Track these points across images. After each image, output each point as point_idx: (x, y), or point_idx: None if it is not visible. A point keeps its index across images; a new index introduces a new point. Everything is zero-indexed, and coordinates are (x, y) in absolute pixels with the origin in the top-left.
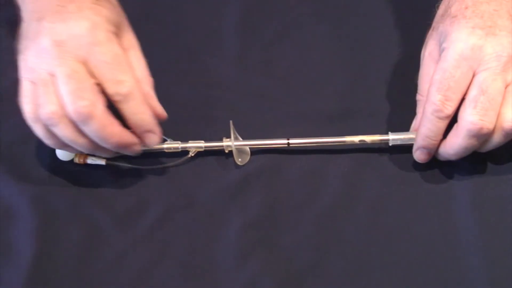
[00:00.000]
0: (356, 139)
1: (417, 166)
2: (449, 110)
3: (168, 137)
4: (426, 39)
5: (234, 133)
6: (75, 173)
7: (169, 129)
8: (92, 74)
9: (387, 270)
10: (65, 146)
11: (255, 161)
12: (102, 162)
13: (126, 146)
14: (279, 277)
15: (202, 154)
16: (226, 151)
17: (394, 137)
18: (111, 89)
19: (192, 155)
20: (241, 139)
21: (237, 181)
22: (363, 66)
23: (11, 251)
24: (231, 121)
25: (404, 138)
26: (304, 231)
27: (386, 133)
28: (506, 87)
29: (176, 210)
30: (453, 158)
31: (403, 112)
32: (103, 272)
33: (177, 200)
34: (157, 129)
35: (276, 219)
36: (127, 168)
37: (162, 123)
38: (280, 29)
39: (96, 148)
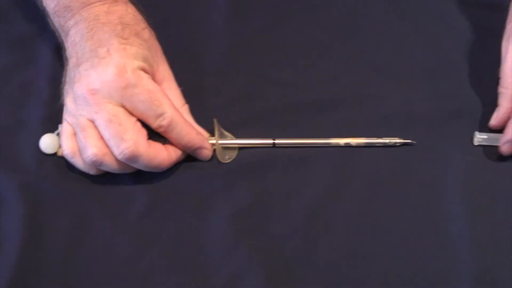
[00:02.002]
0: (341, 141)
1: (406, 156)
2: None
3: None
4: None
5: (219, 130)
6: (63, 161)
7: None
8: (131, 113)
9: (376, 259)
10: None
11: (243, 152)
12: None
13: (176, 163)
14: (267, 266)
15: None
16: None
17: (381, 141)
18: (153, 124)
19: None
20: (226, 134)
21: (226, 171)
22: (352, 55)
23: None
24: (215, 120)
25: (387, 142)
26: (292, 220)
27: (374, 124)
28: None
29: (164, 199)
30: None
31: (392, 100)
32: (91, 260)
33: (165, 190)
34: (206, 144)
35: (265, 209)
36: None
37: None
38: (268, 19)
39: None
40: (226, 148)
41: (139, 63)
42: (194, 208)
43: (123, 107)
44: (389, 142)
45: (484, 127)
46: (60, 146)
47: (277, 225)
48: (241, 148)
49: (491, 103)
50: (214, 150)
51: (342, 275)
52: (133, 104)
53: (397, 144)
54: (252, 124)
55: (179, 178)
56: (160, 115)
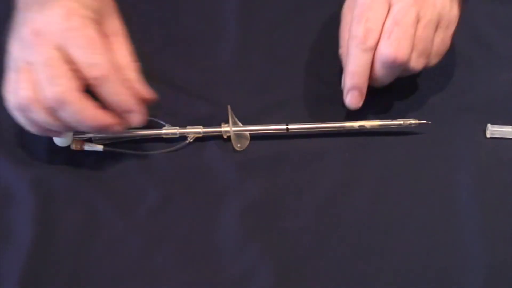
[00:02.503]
0: (355, 124)
1: (418, 150)
2: (372, 41)
3: (167, 122)
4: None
5: (232, 118)
6: (74, 157)
7: (167, 113)
8: (69, 60)
9: (387, 255)
10: (47, 131)
11: (255, 146)
12: (100, 148)
13: (102, 128)
14: (279, 262)
15: (201, 139)
16: (225, 137)
17: (395, 122)
18: (86, 73)
19: (191, 140)
20: (240, 124)
21: (237, 166)
22: None
23: (10, 234)
24: (229, 106)
25: (403, 124)
26: (304, 216)
27: (386, 117)
28: (418, 22)
29: (175, 195)
30: (379, 86)
31: (404, 94)
32: (102, 256)
33: (176, 185)
34: (138, 108)
35: (276, 204)
36: (125, 154)
37: (161, 105)
38: (280, 14)
39: (76, 128)
40: (239, 136)
41: (88, 12)
42: (206, 204)
43: (63, 50)
44: (404, 123)
45: (497, 120)
46: (73, 139)
47: (289, 220)
48: (253, 138)
49: (504, 96)
50: (224, 139)
51: (354, 270)
52: (72, 49)
53: (412, 125)
54: (264, 118)
55: (191, 174)
56: (94, 64)
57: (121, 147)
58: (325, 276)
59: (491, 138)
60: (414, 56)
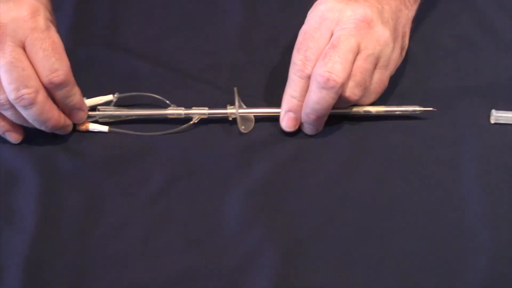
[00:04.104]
0: (361, 109)
1: (423, 134)
2: (309, 70)
3: (171, 103)
4: None
5: (238, 101)
6: (79, 138)
7: (172, 95)
8: (29, 59)
9: (391, 238)
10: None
11: (260, 129)
12: (105, 129)
13: (61, 128)
14: (283, 243)
15: (206, 121)
16: (230, 119)
17: (401, 109)
18: (45, 78)
19: (195, 121)
20: (244, 107)
21: (241, 148)
22: None
23: (15, 216)
24: (235, 88)
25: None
26: (308, 197)
27: (391, 100)
28: (358, 53)
29: (179, 176)
30: (311, 118)
31: (410, 78)
32: (106, 239)
33: (180, 166)
34: (85, 106)
35: (281, 186)
36: (129, 135)
37: (165, 89)
38: None
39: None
40: (244, 118)
41: (49, 15)
42: (209, 187)
43: (24, 49)
44: (408, 110)
45: (501, 105)
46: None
47: (293, 202)
48: (257, 121)
49: (509, 81)
50: (229, 121)
51: (358, 253)
52: (35, 49)
53: (417, 112)
54: (268, 100)
55: (194, 157)
56: (55, 70)
57: (126, 128)
58: (329, 258)
59: (495, 123)
60: (351, 84)
